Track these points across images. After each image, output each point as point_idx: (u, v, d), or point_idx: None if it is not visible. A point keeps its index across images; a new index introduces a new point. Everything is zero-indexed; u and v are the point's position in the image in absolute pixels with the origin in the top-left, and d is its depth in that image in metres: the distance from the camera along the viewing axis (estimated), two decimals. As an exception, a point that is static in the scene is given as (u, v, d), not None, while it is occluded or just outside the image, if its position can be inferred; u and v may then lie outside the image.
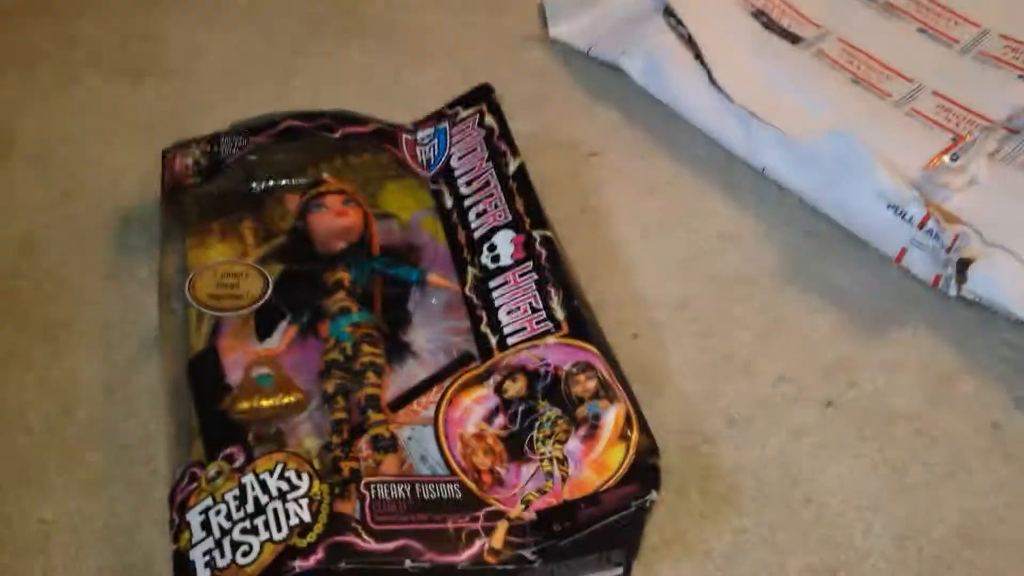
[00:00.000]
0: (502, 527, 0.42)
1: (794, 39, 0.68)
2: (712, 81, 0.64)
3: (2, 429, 0.49)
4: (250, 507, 0.41)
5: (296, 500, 0.41)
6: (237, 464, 0.42)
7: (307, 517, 0.40)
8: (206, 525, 0.40)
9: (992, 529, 0.48)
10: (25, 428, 0.49)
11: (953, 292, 0.55)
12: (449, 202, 0.57)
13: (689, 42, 0.66)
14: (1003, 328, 0.56)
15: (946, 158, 0.60)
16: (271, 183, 0.58)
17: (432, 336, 0.51)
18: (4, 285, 0.55)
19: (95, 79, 0.68)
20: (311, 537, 0.39)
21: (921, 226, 0.55)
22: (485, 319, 0.51)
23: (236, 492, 0.41)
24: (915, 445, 0.51)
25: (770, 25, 0.69)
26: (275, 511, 0.40)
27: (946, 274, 0.55)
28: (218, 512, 0.41)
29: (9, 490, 0.47)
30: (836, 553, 0.47)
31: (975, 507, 0.49)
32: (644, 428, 0.45)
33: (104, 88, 0.67)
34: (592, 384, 0.46)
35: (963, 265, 0.54)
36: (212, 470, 0.42)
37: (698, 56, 0.65)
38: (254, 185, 0.57)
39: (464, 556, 0.41)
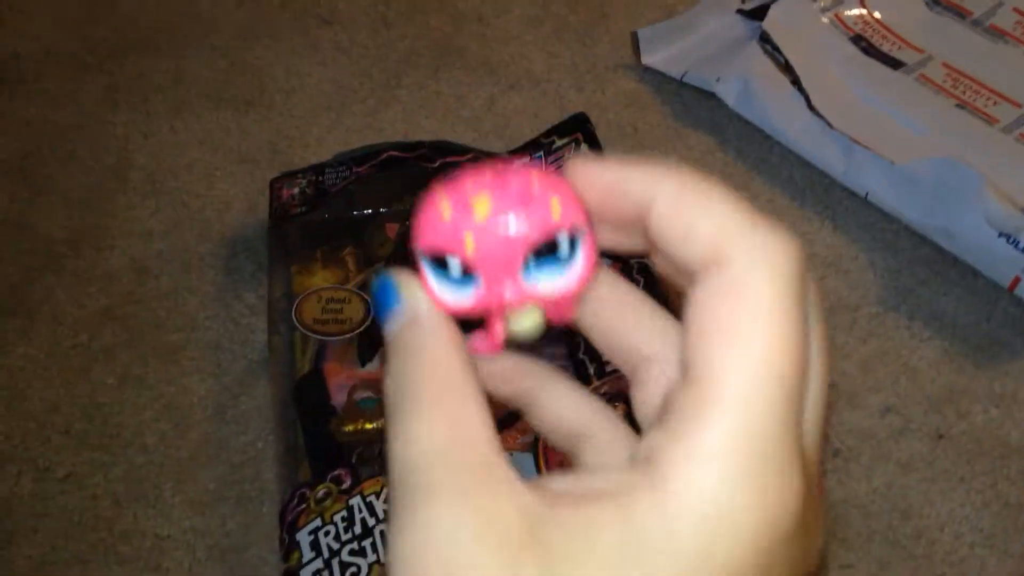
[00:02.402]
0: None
1: (895, 64, 0.67)
2: (811, 106, 0.63)
3: (120, 448, 0.51)
4: (358, 528, 0.41)
5: (403, 523, 0.41)
6: (345, 486, 0.43)
7: (414, 540, 0.41)
8: (315, 545, 0.41)
9: (1118, 571, 0.46)
10: (142, 447, 0.51)
11: (1070, 322, 0.53)
12: (546, 229, 0.58)
13: (786, 68, 0.65)
14: (1125, 360, 0.53)
15: (1059, 183, 0.58)
16: (372, 211, 0.59)
17: (530, 362, 0.52)
18: (121, 311, 0.57)
19: (202, 111, 0.71)
20: (418, 560, 0.40)
21: (1035, 253, 0.53)
22: (583, 346, 0.51)
23: (344, 513, 0.42)
24: (1032, 481, 0.49)
25: (870, 50, 0.68)
26: (382, 533, 0.41)
27: (1062, 303, 0.53)
28: (327, 533, 0.42)
29: (127, 507, 0.49)
30: (950, 592, 0.46)
31: (1099, 548, 0.47)
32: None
33: (211, 120, 0.70)
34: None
35: (1081, 294, 0.52)
36: (321, 491, 0.43)
37: (795, 82, 0.64)
38: (355, 213, 0.59)
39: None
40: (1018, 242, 0.54)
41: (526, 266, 0.21)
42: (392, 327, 0.22)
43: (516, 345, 0.23)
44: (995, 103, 0.64)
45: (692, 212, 0.20)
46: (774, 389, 0.18)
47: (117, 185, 0.66)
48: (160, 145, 0.69)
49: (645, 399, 0.23)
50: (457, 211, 0.21)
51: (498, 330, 0.23)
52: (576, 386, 0.26)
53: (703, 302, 0.19)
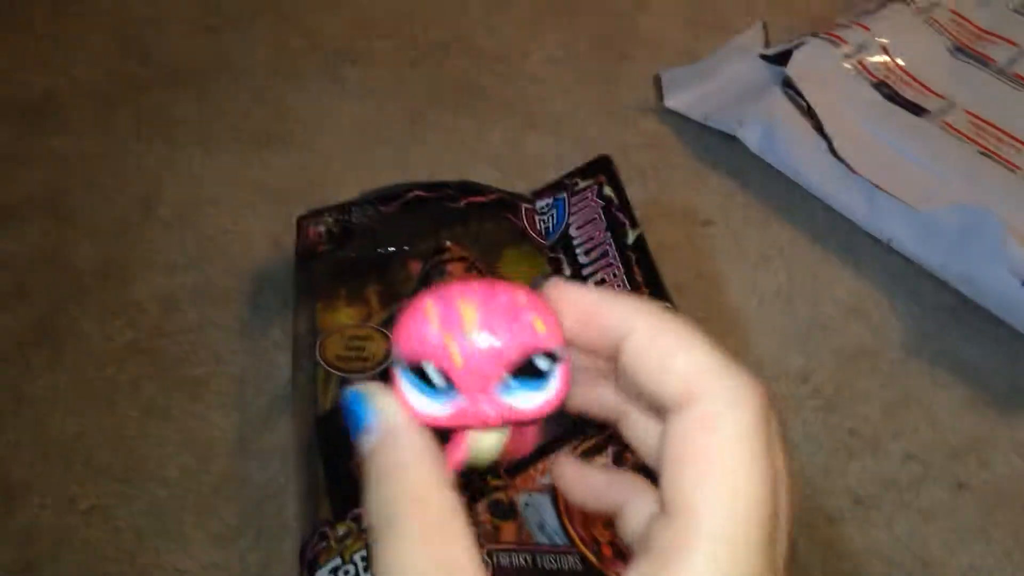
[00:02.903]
0: (624, 601, 0.41)
1: (919, 111, 0.68)
2: (833, 151, 0.63)
3: (143, 481, 0.51)
4: (378, 569, 0.41)
5: (423, 564, 0.41)
6: (365, 525, 0.43)
7: (434, 581, 0.41)
8: (336, 584, 0.41)
9: None
10: (163, 480, 0.51)
11: (1094, 372, 0.53)
12: (568, 271, 0.58)
13: (809, 113, 0.66)
14: None
15: (1082, 232, 0.58)
16: (394, 248, 0.60)
17: (550, 402, 0.52)
18: (148, 344, 0.58)
19: (229, 147, 0.72)
20: (437, 602, 0.40)
21: (1058, 303, 0.53)
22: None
23: (364, 553, 0.42)
24: (1056, 533, 0.49)
25: (893, 97, 0.68)
26: (402, 574, 0.41)
27: (1086, 353, 0.53)
28: (347, 572, 0.42)
29: (148, 541, 0.49)
30: (972, 645, 0.45)
31: (1125, 603, 0.46)
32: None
33: (237, 155, 0.71)
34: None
35: (1105, 344, 0.52)
36: (341, 530, 0.43)
37: (818, 127, 0.65)
38: (379, 250, 0.59)
39: (587, 629, 0.40)
40: (1041, 291, 0.54)
41: (505, 383, 0.21)
42: (367, 444, 0.22)
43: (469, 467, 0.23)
44: (1017, 151, 0.64)
45: (668, 349, 0.21)
46: (749, 521, 0.20)
47: (143, 218, 0.67)
48: (187, 178, 0.70)
49: (627, 527, 0.25)
50: (444, 320, 0.21)
51: (463, 447, 0.23)
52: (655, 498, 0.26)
53: (679, 436, 0.21)
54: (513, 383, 0.21)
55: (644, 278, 0.55)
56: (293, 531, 0.47)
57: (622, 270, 0.56)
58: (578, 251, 0.59)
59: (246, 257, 0.64)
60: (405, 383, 0.21)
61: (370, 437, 0.22)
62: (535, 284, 0.64)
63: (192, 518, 0.50)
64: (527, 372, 0.21)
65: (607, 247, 0.58)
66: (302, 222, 0.60)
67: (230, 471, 0.52)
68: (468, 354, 0.21)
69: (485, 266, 0.58)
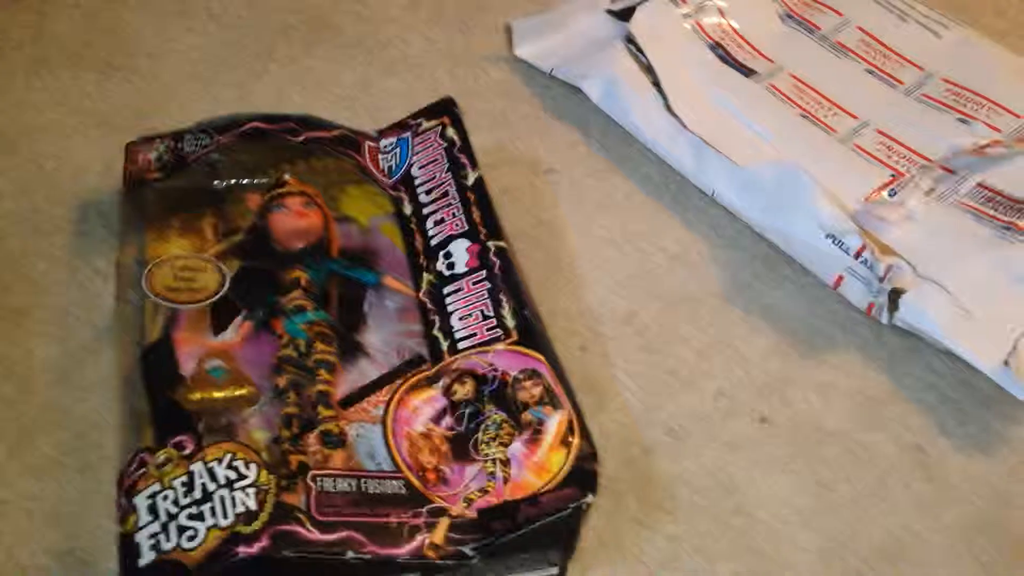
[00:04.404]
0: (443, 524, 0.43)
1: (748, 72, 0.71)
2: (668, 107, 0.66)
3: (-48, 410, 0.49)
4: (197, 494, 0.42)
5: (243, 489, 0.42)
6: (186, 452, 0.43)
7: (253, 506, 0.41)
8: (153, 509, 0.41)
9: (912, 546, 0.51)
10: (-24, 410, 0.49)
11: (885, 320, 0.58)
12: (408, 209, 0.59)
13: (648, 69, 0.68)
14: (930, 357, 0.59)
15: (884, 193, 0.63)
16: (233, 182, 0.59)
17: (385, 338, 0.53)
18: (-39, 269, 0.55)
19: (62, 72, 0.68)
20: (256, 525, 0.41)
21: (857, 256, 0.58)
22: (438, 324, 0.53)
23: (184, 479, 0.42)
24: (843, 464, 0.54)
25: (725, 58, 0.72)
26: (222, 499, 0.41)
27: (879, 302, 0.58)
28: (165, 497, 0.42)
29: (-42, 470, 0.47)
30: (763, 563, 0.49)
31: (896, 524, 0.51)
32: (585, 434, 0.46)
33: (70, 81, 0.68)
34: (537, 391, 0.48)
35: (895, 295, 0.57)
36: (161, 457, 0.43)
37: (656, 83, 0.68)
38: (216, 183, 0.58)
39: (405, 550, 0.42)
40: (843, 243, 0.58)
41: None
42: None
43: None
44: (835, 114, 0.69)
45: None
46: None
47: (-37, 141, 0.63)
48: (15, 103, 0.66)
49: None
50: None
51: None
52: None
53: None
54: None
55: (481, 218, 0.57)
56: (115, 463, 0.46)
57: (461, 210, 0.57)
58: (419, 190, 0.60)
59: (75, 185, 0.61)
60: None
61: None
62: (377, 223, 0.63)
63: (9, 449, 0.48)
64: None
65: (448, 187, 0.59)
66: (132, 148, 0.58)
67: (50, 403, 0.50)
68: None
69: (326, 202, 0.58)
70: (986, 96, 0.70)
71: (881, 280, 0.57)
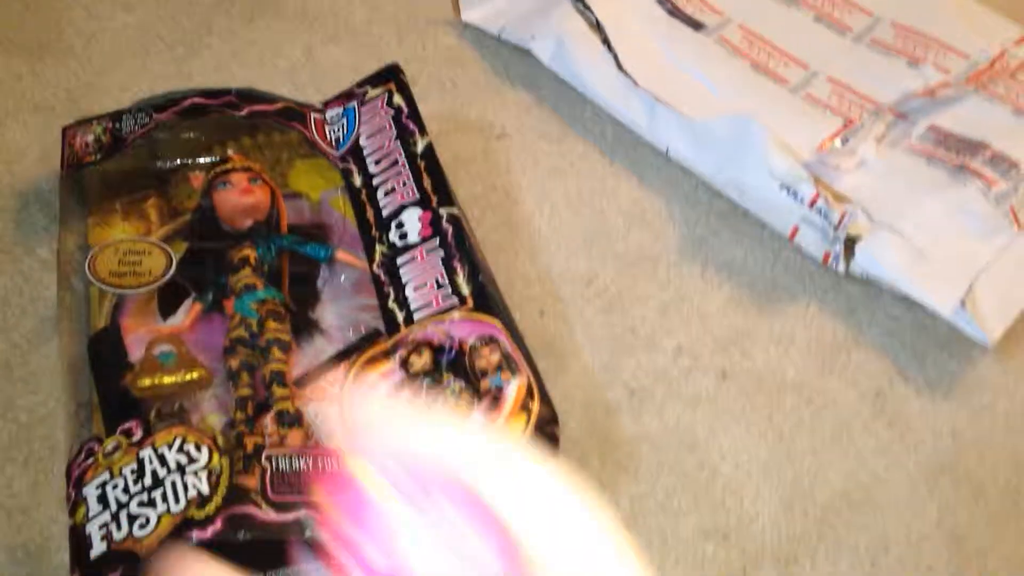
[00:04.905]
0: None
1: (697, 26, 0.70)
2: (619, 66, 0.65)
3: None
4: (148, 480, 0.41)
5: (195, 473, 0.41)
6: (135, 438, 0.42)
7: (205, 489, 0.40)
8: (103, 499, 0.40)
9: (873, 491, 0.51)
10: (-83, 408, 0.48)
11: (842, 268, 0.58)
12: (358, 181, 0.58)
13: (597, 28, 0.67)
14: (888, 303, 0.59)
15: (837, 141, 0.63)
16: (177, 162, 0.57)
17: (341, 313, 0.52)
18: None
19: (-6, 55, 0.66)
20: (209, 509, 0.40)
21: (811, 205, 0.58)
22: (392, 295, 0.52)
23: (134, 466, 0.41)
24: (803, 413, 0.54)
25: (675, 12, 0.71)
26: (173, 484, 0.40)
27: (835, 251, 0.58)
28: (115, 486, 0.41)
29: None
30: (727, 517, 0.49)
31: (858, 470, 0.52)
32: (545, 399, 0.46)
33: (2, 67, 0.66)
34: (495, 357, 0.48)
35: (851, 242, 0.57)
36: (109, 445, 0.42)
37: (605, 41, 0.67)
38: (159, 163, 0.57)
39: (365, 524, 0.41)
40: (797, 193, 0.58)
41: None
42: None
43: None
44: (785, 64, 0.68)
45: None
46: None
47: None
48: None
49: None
50: None
51: None
52: None
53: None
54: None
55: (432, 186, 0.56)
56: (63, 454, 0.45)
57: (411, 178, 0.56)
58: (368, 161, 0.58)
59: (10, 173, 0.59)
60: None
61: None
62: (327, 197, 0.62)
63: (-49, 446, 0.47)
64: None
65: (397, 156, 0.58)
66: (68, 131, 0.56)
67: (-6, 396, 0.49)
68: None
69: (274, 178, 0.57)
70: (935, 37, 0.69)
71: (836, 228, 0.57)
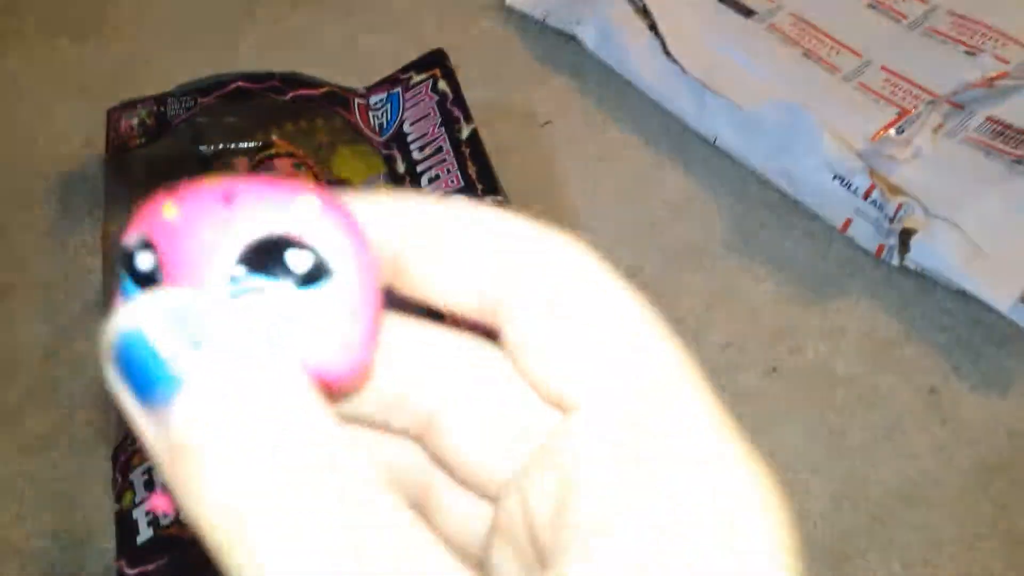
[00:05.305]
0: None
1: (748, 12, 0.69)
2: (666, 51, 0.64)
3: (-60, 391, 0.48)
4: (195, 467, 0.40)
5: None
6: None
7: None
8: (150, 484, 0.40)
9: (926, 489, 0.50)
10: (-36, 391, 0.48)
11: (896, 261, 0.56)
12: (402, 167, 0.57)
13: (644, 12, 0.66)
14: (942, 297, 0.57)
15: (892, 131, 0.61)
16: (220, 146, 0.57)
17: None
18: (-57, 246, 0.54)
19: (41, 41, 0.66)
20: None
21: (866, 196, 0.56)
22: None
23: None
24: (855, 409, 0.52)
25: (724, -2, 0.70)
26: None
27: (889, 244, 0.56)
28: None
29: (-52, 452, 0.46)
30: (777, 513, 0.48)
31: (910, 468, 0.50)
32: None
33: (47, 50, 0.66)
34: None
35: (906, 235, 0.55)
36: (156, 430, 0.42)
37: (652, 26, 0.65)
38: (202, 148, 0.57)
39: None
40: (851, 184, 0.57)
41: (235, 277, 0.15)
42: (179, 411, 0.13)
43: None
44: (837, 52, 0.66)
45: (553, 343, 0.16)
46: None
47: (-61, 115, 0.61)
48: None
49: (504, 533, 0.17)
50: (173, 197, 0.16)
51: None
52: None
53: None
54: (247, 278, 0.15)
55: (477, 174, 0.55)
56: (108, 438, 0.45)
57: (456, 166, 0.55)
58: (412, 147, 0.58)
59: (56, 156, 0.59)
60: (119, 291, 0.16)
61: (187, 398, 0.13)
62: (370, 184, 0.61)
63: (-2, 428, 0.47)
64: (272, 269, 0.15)
65: (441, 143, 0.57)
66: (113, 114, 0.56)
67: (39, 380, 0.49)
68: (185, 220, 0.15)
69: (317, 164, 0.56)
70: (993, 27, 0.67)
71: (891, 221, 0.56)
